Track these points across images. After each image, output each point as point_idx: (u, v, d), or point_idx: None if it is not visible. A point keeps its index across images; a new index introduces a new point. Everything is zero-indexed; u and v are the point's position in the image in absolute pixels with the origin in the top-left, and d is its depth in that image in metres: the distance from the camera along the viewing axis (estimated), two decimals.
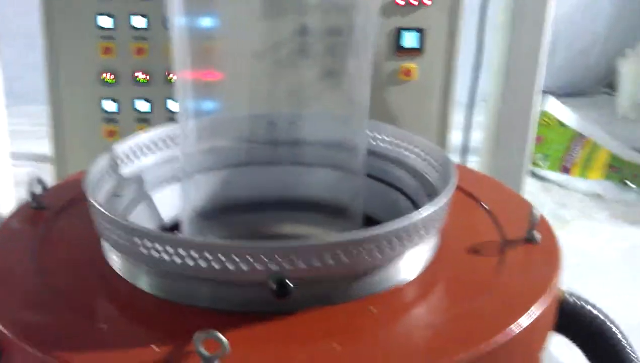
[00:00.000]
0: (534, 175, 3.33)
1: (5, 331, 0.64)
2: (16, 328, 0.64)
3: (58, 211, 0.85)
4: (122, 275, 0.71)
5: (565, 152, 3.37)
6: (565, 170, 3.35)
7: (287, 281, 0.62)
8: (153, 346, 0.61)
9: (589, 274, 2.57)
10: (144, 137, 0.87)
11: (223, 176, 0.84)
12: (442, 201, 0.69)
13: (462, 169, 0.95)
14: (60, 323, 0.65)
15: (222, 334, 0.60)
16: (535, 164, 3.35)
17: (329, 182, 0.85)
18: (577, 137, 3.38)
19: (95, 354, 0.61)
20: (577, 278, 2.59)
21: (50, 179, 1.67)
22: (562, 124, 3.39)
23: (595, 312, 0.78)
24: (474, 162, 1.88)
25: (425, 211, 0.67)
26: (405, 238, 0.67)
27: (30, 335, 0.63)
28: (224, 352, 0.57)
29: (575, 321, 0.77)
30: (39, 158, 1.85)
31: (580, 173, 3.35)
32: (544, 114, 3.38)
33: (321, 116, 0.87)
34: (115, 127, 1.77)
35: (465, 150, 2.05)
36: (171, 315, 0.66)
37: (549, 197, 3.17)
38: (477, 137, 1.86)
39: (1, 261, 0.75)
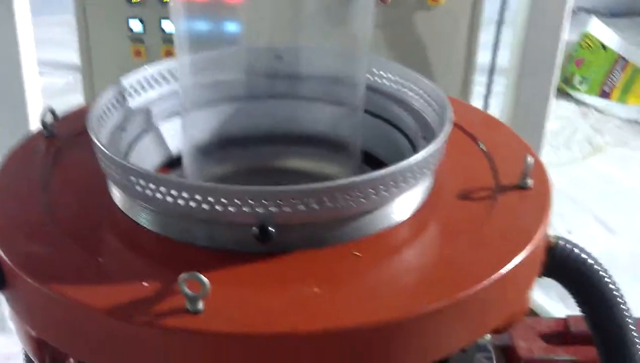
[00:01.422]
0: (572, 98, 3.28)
1: (8, 261, 0.67)
2: (18, 259, 0.67)
3: (69, 141, 0.87)
4: (123, 211, 0.74)
5: (606, 75, 3.29)
6: (605, 94, 3.28)
7: (269, 227, 0.64)
8: (144, 282, 0.64)
9: (617, 201, 2.56)
10: (150, 69, 0.88)
11: (223, 110, 0.85)
12: (430, 150, 0.70)
13: (466, 108, 0.95)
14: (60, 255, 0.68)
15: (211, 272, 0.63)
16: (573, 87, 3.29)
17: (329, 117, 0.85)
18: (619, 61, 3.29)
19: (90, 287, 0.64)
20: (604, 205, 2.59)
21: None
22: (604, 46, 3.29)
23: (584, 256, 0.79)
24: (500, 84, 1.86)
25: (412, 160, 0.68)
26: (392, 186, 0.68)
27: (31, 266, 0.67)
28: (205, 292, 0.59)
29: (564, 265, 0.78)
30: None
31: (620, 98, 3.28)
32: (585, 35, 3.29)
33: (322, 50, 0.86)
34: (142, 47, 1.79)
35: (492, 70, 2.02)
36: (167, 252, 0.69)
37: (585, 121, 3.13)
38: (506, 56, 1.83)
39: (9, 191, 0.78)
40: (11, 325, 1.13)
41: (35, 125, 1.76)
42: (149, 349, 0.61)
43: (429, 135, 0.80)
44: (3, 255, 0.68)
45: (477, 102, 1.89)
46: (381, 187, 0.68)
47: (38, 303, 0.66)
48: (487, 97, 2.12)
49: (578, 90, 3.28)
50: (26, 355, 0.87)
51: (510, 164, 0.81)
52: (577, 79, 3.26)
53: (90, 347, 0.64)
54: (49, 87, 2.82)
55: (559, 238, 0.78)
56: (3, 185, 0.78)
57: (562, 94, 3.27)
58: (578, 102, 3.24)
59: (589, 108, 3.21)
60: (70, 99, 2.73)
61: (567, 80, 3.28)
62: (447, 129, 0.73)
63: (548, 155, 2.70)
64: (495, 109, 1.89)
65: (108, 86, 0.83)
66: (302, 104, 0.87)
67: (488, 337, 0.90)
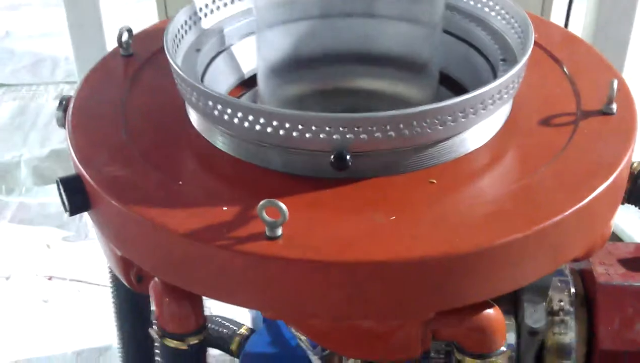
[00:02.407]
0: None
1: (92, 183, 0.70)
2: (102, 181, 0.69)
3: (146, 60, 0.88)
4: (201, 133, 0.75)
5: None
6: None
7: (346, 154, 0.64)
8: (223, 206, 0.65)
9: None
10: None
11: (297, 29, 0.83)
12: (509, 76, 0.68)
13: (548, 26, 0.91)
14: (142, 177, 0.70)
15: (288, 198, 0.64)
16: None
17: (406, 37, 0.83)
18: None
19: (171, 210, 0.66)
20: None
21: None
22: None
23: None
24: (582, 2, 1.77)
25: (490, 87, 0.66)
26: (470, 113, 0.67)
27: (114, 188, 0.68)
28: (283, 219, 0.60)
29: None
30: None
31: None
32: None
33: None
34: None
35: None
36: (244, 176, 0.70)
37: None
38: None
39: (89, 112, 0.79)
40: (94, 235, 1.17)
41: (110, 37, 1.79)
42: (229, 273, 0.63)
43: (509, 57, 0.78)
44: (87, 177, 0.70)
45: (560, 10, 1.81)
46: (459, 114, 0.66)
47: (122, 224, 0.69)
48: (569, 6, 2.03)
49: None
50: (112, 272, 0.91)
51: (593, 87, 0.78)
52: None
53: (173, 267, 0.66)
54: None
55: None
56: (83, 107, 0.80)
57: None
58: None
59: None
60: (143, 7, 2.74)
61: None
62: (527, 54, 0.71)
63: (636, 68, 2.59)
64: (579, 20, 1.81)
65: (181, 5, 0.83)
66: (379, 23, 0.85)
67: None
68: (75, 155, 0.72)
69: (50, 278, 1.70)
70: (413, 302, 0.62)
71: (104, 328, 1.50)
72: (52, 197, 1.89)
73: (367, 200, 0.66)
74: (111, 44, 1.13)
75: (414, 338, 0.65)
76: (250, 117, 0.67)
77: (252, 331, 1.08)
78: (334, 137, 0.65)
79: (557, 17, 1.76)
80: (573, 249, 0.68)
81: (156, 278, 0.71)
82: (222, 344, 1.07)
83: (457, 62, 0.85)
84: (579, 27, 1.77)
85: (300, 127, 0.65)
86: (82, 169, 0.71)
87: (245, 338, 1.07)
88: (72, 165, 0.74)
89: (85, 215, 0.75)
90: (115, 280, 0.93)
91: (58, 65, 2.61)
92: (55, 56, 2.65)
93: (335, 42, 0.86)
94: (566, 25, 1.78)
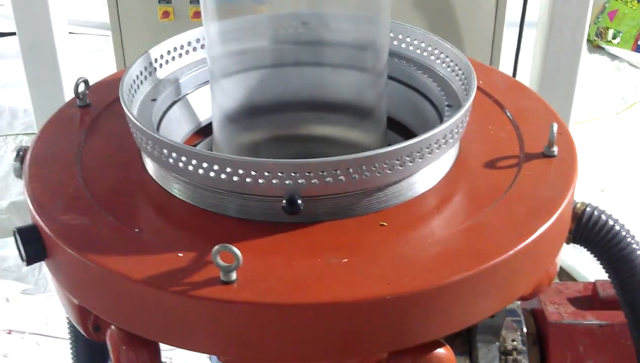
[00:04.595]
0: (604, 52, 3.22)
1: (48, 232, 0.70)
2: (58, 230, 0.70)
3: (102, 110, 0.89)
4: (157, 181, 0.76)
5: None
6: (639, 48, 3.21)
7: (298, 199, 0.65)
8: (179, 253, 0.66)
9: None
10: (178, 39, 0.89)
11: (251, 78, 0.86)
12: (454, 120, 0.71)
13: (492, 72, 0.95)
14: (98, 225, 0.71)
15: (242, 243, 0.65)
16: (606, 40, 3.23)
17: (354, 84, 0.86)
18: None
19: (127, 257, 0.67)
20: (634, 160, 2.55)
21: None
22: None
23: (611, 222, 0.80)
24: (531, 37, 1.83)
25: (436, 131, 0.69)
26: (417, 156, 0.69)
27: (70, 236, 0.69)
28: (237, 263, 0.62)
29: (591, 232, 0.79)
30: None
31: None
32: None
33: (346, 16, 0.87)
34: (170, 7, 1.80)
35: (522, 24, 1.97)
36: (200, 222, 0.71)
37: (618, 75, 3.08)
38: (536, 9, 1.80)
39: (45, 163, 0.80)
40: (53, 287, 1.17)
41: (68, 89, 1.80)
42: (185, 318, 0.63)
43: (454, 102, 0.81)
44: (43, 226, 0.71)
45: (508, 57, 1.87)
46: (406, 158, 0.69)
47: (77, 273, 0.69)
48: (517, 53, 2.10)
49: (611, 43, 3.22)
50: (69, 322, 0.91)
51: (536, 131, 0.81)
52: (610, 32, 3.20)
53: (129, 315, 0.67)
54: (80, 47, 2.84)
55: (586, 205, 0.78)
56: (40, 157, 0.81)
57: (596, 48, 3.22)
58: (613, 56, 3.18)
59: (623, 62, 3.16)
60: (102, 58, 2.76)
61: (600, 34, 3.22)
62: (471, 98, 0.74)
63: (581, 110, 2.67)
64: (526, 65, 1.87)
65: (137, 56, 0.84)
66: (328, 71, 0.88)
67: (517, 301, 0.92)
68: (32, 205, 0.73)
69: (9, 332, 1.68)
70: (366, 342, 0.63)
71: None
72: (10, 250, 1.87)
73: (320, 243, 0.68)
74: (69, 95, 1.14)
75: None
76: (205, 164, 0.68)
77: None
78: (286, 182, 0.67)
79: (505, 65, 1.82)
80: (520, 286, 0.70)
81: (113, 326, 0.71)
82: None
83: (405, 107, 0.88)
84: (527, 74, 1.83)
85: (253, 173, 0.67)
86: (38, 218, 0.71)
87: None
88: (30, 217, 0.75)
89: (45, 267, 0.75)
90: (73, 331, 0.93)
91: (17, 117, 2.60)
92: (14, 107, 2.64)
93: (287, 90, 0.88)
94: (514, 72, 1.84)
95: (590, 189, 2.18)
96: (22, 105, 2.59)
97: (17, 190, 2.15)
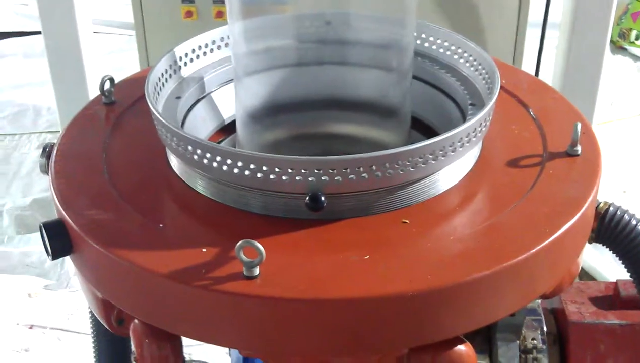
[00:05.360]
0: (627, 53, 3.19)
1: (74, 227, 0.71)
2: (84, 225, 0.71)
3: (127, 107, 0.90)
4: (181, 177, 0.77)
5: None
6: None
7: (321, 196, 0.66)
8: (202, 248, 0.67)
9: None
10: (203, 38, 0.90)
11: (274, 77, 0.86)
12: (477, 119, 0.71)
13: (516, 72, 0.95)
14: (123, 221, 0.72)
15: (265, 239, 0.66)
16: (629, 41, 3.20)
17: (378, 83, 0.86)
18: None
19: (151, 252, 0.67)
20: None
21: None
22: None
23: (634, 222, 0.79)
24: (554, 38, 1.82)
25: (459, 129, 0.69)
26: (440, 155, 0.69)
27: (95, 231, 0.70)
28: (260, 259, 0.62)
29: (614, 232, 0.79)
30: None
31: None
32: None
33: (370, 16, 0.87)
34: (192, 7, 1.81)
35: (545, 25, 1.96)
36: (223, 218, 0.72)
37: None
38: (559, 10, 1.79)
39: (71, 158, 0.81)
40: (75, 283, 1.18)
41: (92, 87, 1.82)
42: (208, 312, 0.64)
43: (477, 101, 0.81)
44: (70, 221, 0.72)
45: (530, 57, 1.86)
46: (429, 156, 0.69)
47: (102, 267, 0.70)
48: (540, 53, 2.09)
49: (634, 45, 3.20)
50: (92, 315, 0.92)
51: (559, 130, 0.81)
52: (634, 34, 3.17)
53: (152, 309, 0.68)
54: (102, 47, 2.86)
55: (609, 204, 0.78)
56: (65, 153, 0.82)
57: (619, 49, 3.19)
58: (635, 57, 3.15)
59: None
60: (124, 58, 2.78)
61: (623, 35, 3.19)
62: (495, 97, 0.74)
63: (603, 111, 2.65)
64: (549, 65, 1.86)
65: (162, 55, 0.85)
66: (351, 70, 0.88)
67: (538, 300, 0.92)
68: (58, 200, 0.74)
69: (31, 327, 1.70)
70: (387, 338, 0.64)
71: None
72: (33, 246, 1.89)
73: (342, 240, 0.68)
74: (93, 94, 1.16)
75: None
76: (229, 161, 0.69)
77: None
78: (309, 179, 0.67)
79: (528, 65, 1.82)
80: (541, 285, 0.70)
81: (136, 320, 0.72)
82: None
83: (428, 106, 0.88)
84: (549, 74, 1.82)
85: (276, 170, 0.68)
86: (65, 213, 0.72)
87: None
88: (54, 213, 0.76)
89: (67, 263, 0.76)
90: (96, 324, 0.94)
91: (40, 115, 2.63)
92: (38, 106, 2.67)
93: (311, 89, 0.89)
94: (537, 73, 1.83)
95: (612, 190, 2.17)
96: (45, 104, 2.62)
97: (40, 187, 2.17)
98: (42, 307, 1.75)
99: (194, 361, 1.11)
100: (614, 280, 0.97)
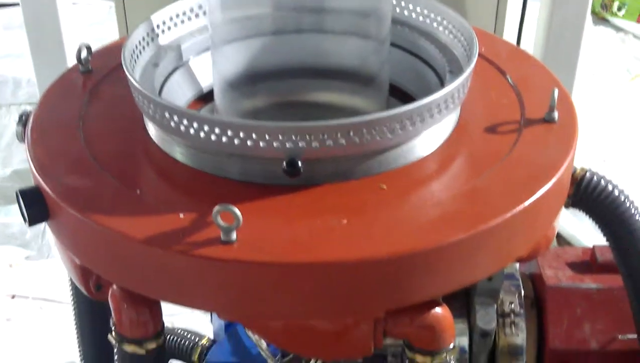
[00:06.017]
0: (609, 24, 3.20)
1: (51, 193, 0.71)
2: (61, 191, 0.71)
3: (104, 75, 0.89)
4: (159, 145, 0.77)
5: None
6: None
7: (298, 161, 0.66)
8: (180, 214, 0.67)
9: None
10: (180, 5, 0.89)
11: (252, 45, 0.86)
12: (455, 85, 0.71)
13: (494, 40, 0.95)
14: (100, 187, 0.71)
15: (243, 204, 0.66)
16: (611, 12, 3.21)
17: (356, 51, 0.86)
18: None
19: (129, 218, 0.67)
20: (637, 131, 2.55)
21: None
22: None
23: (611, 187, 0.80)
24: (536, 9, 1.82)
25: (437, 95, 0.69)
26: (418, 120, 0.69)
27: (72, 198, 0.70)
28: (237, 223, 0.62)
29: (591, 197, 0.80)
30: None
31: None
32: None
33: None
34: None
35: None
36: (201, 185, 0.72)
37: (623, 48, 3.06)
38: None
39: (48, 126, 0.80)
40: (56, 253, 1.18)
41: (71, 59, 1.80)
42: (186, 277, 0.64)
43: (455, 68, 0.81)
44: (46, 187, 0.71)
45: (512, 28, 1.86)
46: (407, 121, 0.69)
47: (80, 233, 0.70)
48: (521, 24, 2.09)
49: (616, 15, 3.20)
50: (72, 282, 0.92)
51: (537, 97, 0.81)
52: (615, 4, 3.18)
53: (130, 274, 0.68)
54: (81, 18, 2.83)
55: (586, 170, 0.79)
56: (42, 121, 0.81)
57: (601, 20, 3.20)
58: (617, 28, 3.16)
59: (627, 34, 3.14)
60: (103, 29, 2.75)
61: (605, 6, 3.19)
62: (472, 64, 0.74)
63: (585, 82, 2.66)
64: (530, 36, 1.86)
65: (139, 23, 0.85)
66: (330, 38, 0.88)
67: (516, 265, 0.93)
68: (34, 167, 0.74)
69: (13, 297, 1.70)
70: (364, 301, 0.64)
71: (66, 345, 1.50)
72: (14, 217, 1.89)
73: (320, 204, 0.68)
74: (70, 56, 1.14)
75: (366, 337, 0.67)
76: (206, 128, 0.69)
77: (213, 342, 1.10)
78: (287, 145, 0.67)
79: (509, 36, 1.81)
80: (518, 249, 0.71)
81: (114, 286, 0.72)
82: (184, 355, 1.08)
83: (407, 74, 0.88)
84: (530, 46, 1.82)
85: (254, 136, 0.67)
86: (41, 180, 0.72)
87: (206, 349, 1.08)
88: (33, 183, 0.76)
89: (48, 234, 0.76)
90: (75, 292, 0.94)
91: (20, 87, 2.61)
92: (18, 78, 2.65)
93: (289, 57, 0.89)
94: (518, 43, 1.83)
95: (592, 160, 2.19)
96: (25, 76, 2.59)
97: (20, 158, 2.16)
98: (23, 277, 1.75)
99: (176, 328, 1.12)
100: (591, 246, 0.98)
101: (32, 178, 0.75)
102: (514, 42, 1.87)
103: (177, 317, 1.46)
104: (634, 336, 0.88)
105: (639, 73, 2.89)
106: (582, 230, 1.70)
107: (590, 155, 2.20)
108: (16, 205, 0.74)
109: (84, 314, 0.96)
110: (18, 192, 0.73)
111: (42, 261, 1.79)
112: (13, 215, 1.89)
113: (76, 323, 0.97)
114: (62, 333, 1.55)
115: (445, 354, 0.68)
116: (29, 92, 2.53)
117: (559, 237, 1.70)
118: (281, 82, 0.88)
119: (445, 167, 0.74)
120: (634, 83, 2.84)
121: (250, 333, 0.96)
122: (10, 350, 1.56)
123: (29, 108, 0.87)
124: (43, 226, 0.77)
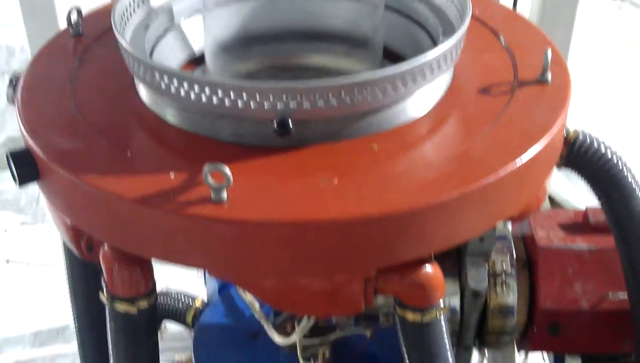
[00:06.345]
0: None
1: (41, 155, 0.71)
2: (51, 153, 0.71)
3: (95, 39, 0.89)
4: (149, 107, 0.76)
5: None
6: None
7: (288, 120, 0.66)
8: (170, 173, 0.67)
9: None
10: None
11: (244, 8, 0.85)
12: (447, 45, 0.70)
13: (491, 4, 0.94)
14: (91, 148, 0.71)
15: (234, 165, 0.65)
16: None
17: (349, 13, 0.85)
18: None
19: (120, 178, 0.67)
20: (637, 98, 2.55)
21: None
22: None
23: (603, 148, 0.80)
24: None
25: (428, 55, 0.69)
26: (409, 81, 0.69)
27: (63, 159, 0.70)
28: (227, 183, 0.62)
29: (583, 157, 0.80)
30: None
31: None
32: None
33: None
34: None
35: None
36: (192, 146, 0.72)
37: (619, 14, 3.05)
38: None
39: (39, 88, 0.80)
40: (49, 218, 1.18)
41: (64, 25, 1.78)
42: (177, 236, 0.64)
43: (449, 30, 0.80)
44: (37, 148, 0.71)
45: None
46: (398, 82, 0.69)
47: (71, 194, 0.70)
48: None
49: None
50: (64, 244, 0.92)
51: (531, 59, 0.81)
52: None
53: (122, 233, 0.68)
54: None
55: (579, 131, 0.79)
56: (33, 84, 0.81)
57: None
58: None
59: (624, 1, 3.12)
60: None
61: None
62: (465, 24, 0.73)
63: (581, 48, 2.65)
64: (526, 1, 1.85)
65: None
66: (323, 1, 0.87)
67: (508, 226, 0.93)
68: (24, 128, 0.73)
69: (7, 262, 1.71)
70: (355, 259, 0.64)
71: (61, 309, 1.52)
72: (8, 183, 1.89)
73: (311, 165, 0.68)
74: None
75: (357, 295, 0.67)
76: (197, 88, 0.68)
77: (207, 304, 1.10)
78: (278, 105, 0.67)
79: (504, 2, 1.79)
80: (509, 208, 0.71)
81: (105, 246, 0.72)
82: (178, 316, 1.09)
83: (400, 37, 0.87)
84: (526, 12, 1.81)
85: (245, 96, 0.67)
86: (31, 142, 0.72)
87: (200, 311, 1.08)
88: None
89: (42, 199, 0.76)
90: (68, 253, 0.94)
91: (14, 55, 2.59)
92: (11, 46, 2.63)
93: (282, 20, 0.88)
94: (514, 7, 1.82)
95: (585, 126, 2.18)
96: (19, 44, 2.58)
97: (14, 125, 2.16)
98: (18, 241, 1.76)
99: (171, 291, 1.12)
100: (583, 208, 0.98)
101: (22, 140, 0.75)
102: (510, 6, 1.85)
103: (171, 279, 1.48)
104: (625, 295, 0.88)
105: (635, 40, 2.87)
106: (575, 194, 1.70)
107: (583, 121, 2.19)
108: (9, 173, 0.74)
109: (77, 278, 0.96)
110: (8, 154, 0.72)
111: (36, 226, 1.80)
112: (7, 181, 1.90)
113: (69, 287, 0.97)
114: (57, 297, 1.56)
115: (435, 311, 0.69)
116: (23, 59, 2.52)
117: (553, 201, 1.71)
118: (274, 45, 0.88)
119: (438, 129, 0.73)
120: (629, 49, 2.83)
121: (243, 295, 0.96)
122: (6, 315, 1.57)
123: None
124: (38, 193, 0.77)
